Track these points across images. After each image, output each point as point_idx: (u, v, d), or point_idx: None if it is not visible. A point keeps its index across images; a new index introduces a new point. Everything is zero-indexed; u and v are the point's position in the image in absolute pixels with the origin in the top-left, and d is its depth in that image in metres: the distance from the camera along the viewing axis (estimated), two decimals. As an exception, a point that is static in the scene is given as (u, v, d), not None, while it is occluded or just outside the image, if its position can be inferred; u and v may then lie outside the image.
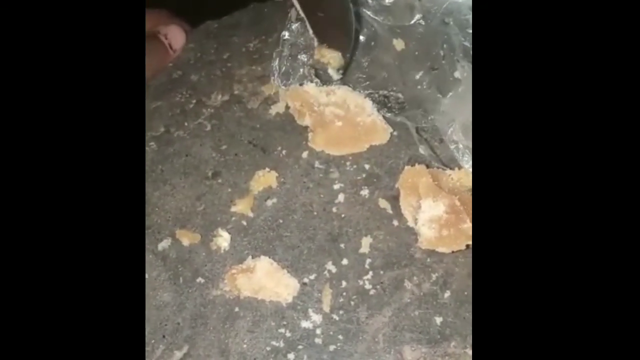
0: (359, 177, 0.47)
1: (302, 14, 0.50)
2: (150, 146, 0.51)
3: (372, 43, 0.53)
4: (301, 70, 0.50)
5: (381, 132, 0.48)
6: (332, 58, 0.51)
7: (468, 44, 0.48)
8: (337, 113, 0.48)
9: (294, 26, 0.51)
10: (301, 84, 0.49)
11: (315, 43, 0.51)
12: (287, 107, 0.51)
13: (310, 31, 0.51)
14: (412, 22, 0.51)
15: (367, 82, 0.52)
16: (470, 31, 0.48)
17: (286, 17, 0.52)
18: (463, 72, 0.45)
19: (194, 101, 0.53)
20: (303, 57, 0.50)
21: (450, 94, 0.46)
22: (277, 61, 0.50)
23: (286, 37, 0.51)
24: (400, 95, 0.51)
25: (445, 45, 0.49)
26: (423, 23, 0.50)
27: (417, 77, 0.50)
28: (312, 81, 0.50)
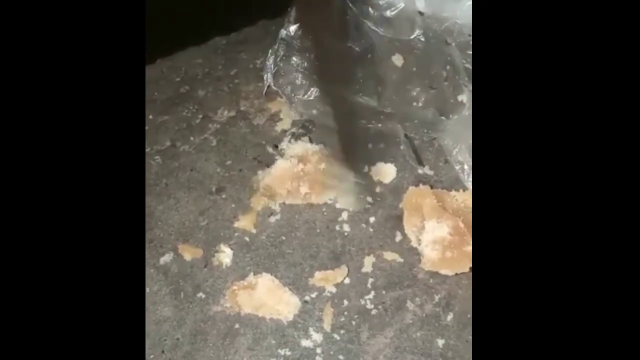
0: (363, 196, 0.47)
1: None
2: (156, 160, 0.51)
3: (369, 55, 0.52)
4: (293, 73, 0.49)
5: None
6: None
7: (470, 67, 0.48)
8: (318, 159, 0.47)
9: (292, 27, 0.50)
10: (254, 175, 0.49)
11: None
12: (294, 124, 0.51)
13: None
14: (412, 37, 0.50)
15: (360, 93, 0.51)
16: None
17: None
18: (470, 96, 0.44)
19: (201, 116, 0.54)
20: (297, 60, 0.50)
21: (455, 116, 0.45)
22: (271, 59, 0.50)
23: (283, 36, 0.50)
24: (388, 108, 0.50)
25: (448, 67, 0.48)
26: (423, 39, 0.49)
27: (414, 93, 0.49)
28: (268, 166, 0.49)
